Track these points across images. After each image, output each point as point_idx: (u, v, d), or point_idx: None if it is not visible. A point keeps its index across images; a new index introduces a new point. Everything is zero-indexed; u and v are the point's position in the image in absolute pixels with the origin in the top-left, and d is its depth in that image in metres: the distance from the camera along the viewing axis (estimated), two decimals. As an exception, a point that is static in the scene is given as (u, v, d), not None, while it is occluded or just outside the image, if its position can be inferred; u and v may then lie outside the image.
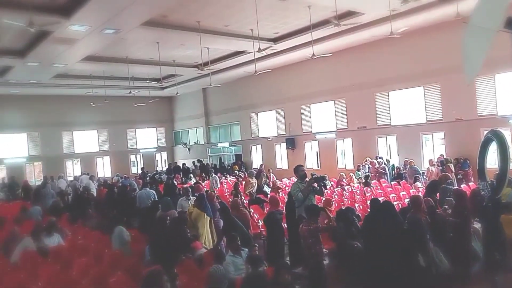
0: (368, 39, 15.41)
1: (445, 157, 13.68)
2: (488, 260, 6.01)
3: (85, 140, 25.01)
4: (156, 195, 11.92)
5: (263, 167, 17.48)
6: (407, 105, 15.88)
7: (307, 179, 7.19)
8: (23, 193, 18.06)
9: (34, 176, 21.98)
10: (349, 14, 12.85)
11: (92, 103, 21.00)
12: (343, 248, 5.96)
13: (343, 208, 8.40)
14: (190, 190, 10.40)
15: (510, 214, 6.20)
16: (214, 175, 16.77)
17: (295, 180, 7.77)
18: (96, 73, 19.34)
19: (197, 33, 13.47)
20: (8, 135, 22.33)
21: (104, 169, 25.06)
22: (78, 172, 22.77)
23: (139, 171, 24.50)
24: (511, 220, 6.12)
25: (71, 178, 20.91)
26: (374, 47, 16.02)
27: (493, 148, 5.87)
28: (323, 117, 19.12)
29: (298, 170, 7.38)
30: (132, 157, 26.93)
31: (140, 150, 27.19)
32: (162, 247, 6.09)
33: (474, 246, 6.26)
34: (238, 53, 17.69)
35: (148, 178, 18.33)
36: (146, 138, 27.72)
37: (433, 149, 15.16)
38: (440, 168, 12.99)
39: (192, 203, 9.16)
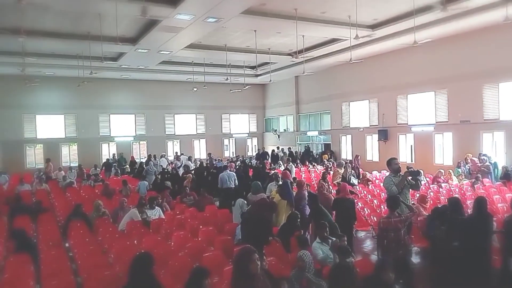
0: (478, 25, 14.09)
1: None
2: None
3: (185, 122, 26.62)
4: (236, 178, 12.56)
5: (359, 157, 17.14)
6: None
7: (401, 173, 6.86)
8: (129, 168, 20.07)
9: (140, 154, 24.10)
10: (458, -3, 11.83)
11: (194, 89, 22.27)
12: (437, 247, 5.68)
13: (439, 205, 7.96)
14: (279, 175, 10.68)
15: None
16: (290, 163, 16.93)
17: (388, 173, 7.46)
18: (197, 60, 20.44)
19: (293, 21, 13.51)
20: (120, 116, 24.67)
21: (200, 151, 26.48)
22: (177, 152, 24.41)
23: (231, 155, 25.59)
24: None
25: (171, 158, 22.59)
26: (484, 34, 14.58)
27: None
28: (421, 108, 18.01)
29: (391, 163, 6.91)
30: (226, 141, 28.11)
31: (233, 135, 28.27)
32: (254, 228, 6.35)
33: None
34: (333, 41, 17.37)
35: (239, 162, 19.12)
36: (239, 123, 28.68)
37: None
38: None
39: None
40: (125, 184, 12.77)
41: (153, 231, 8.05)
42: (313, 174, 17.23)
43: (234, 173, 12.96)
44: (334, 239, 5.76)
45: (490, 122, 15.03)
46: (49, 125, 22.74)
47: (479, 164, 13.51)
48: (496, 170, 13.60)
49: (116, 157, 22.17)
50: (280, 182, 10.00)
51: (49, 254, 6.49)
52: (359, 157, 17.13)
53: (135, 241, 7.28)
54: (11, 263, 6.04)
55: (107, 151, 23.76)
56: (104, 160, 21.88)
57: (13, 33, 13.13)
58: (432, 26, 14.01)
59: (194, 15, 12.43)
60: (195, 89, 22.29)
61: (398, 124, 18.84)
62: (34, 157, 22.24)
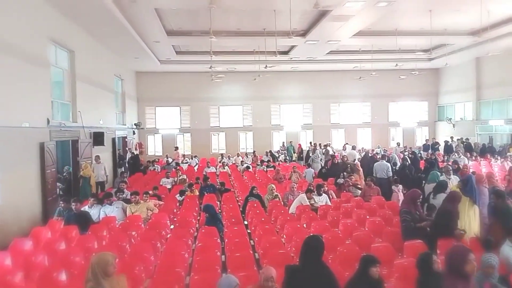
0: None
1: None
2: None
3: (349, 111, 26.46)
4: (390, 168, 12.46)
5: None
6: None
7: None
8: (297, 156, 21.15)
9: (306, 142, 24.99)
10: None
11: (359, 77, 21.94)
12: None
13: None
14: (450, 169, 9.87)
15: None
16: (462, 156, 15.21)
17: None
18: (365, 47, 19.97)
19: (477, -6, 12.06)
20: (287, 105, 26.03)
21: (365, 140, 25.94)
22: (342, 141, 24.49)
23: (395, 145, 24.28)
24: None
25: (336, 147, 22.83)
26: None
27: None
28: None
29: None
30: (392, 131, 26.88)
31: (400, 124, 26.80)
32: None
33: None
34: (528, 13, 14.81)
35: (407, 153, 18.16)
36: (407, 111, 26.95)
37: None
38: None
39: (454, 183, 8.81)
40: (295, 170, 13.58)
41: (321, 217, 8.41)
42: (496, 168, 15.19)
43: (388, 164, 12.76)
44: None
45: None
46: (230, 115, 25.52)
47: None
48: None
49: (285, 145, 23.55)
50: (450, 177, 9.31)
51: (232, 229, 7.44)
52: None
53: (304, 225, 7.78)
54: (202, 234, 7.15)
55: (278, 139, 25.40)
56: (275, 148, 23.51)
57: (203, 35, 15.21)
58: None
59: (364, 1, 12.22)
60: (360, 77, 21.92)
61: None
62: (218, 144, 25.34)
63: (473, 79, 23.09)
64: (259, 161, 18.74)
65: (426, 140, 23.97)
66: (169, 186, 12.97)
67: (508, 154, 17.25)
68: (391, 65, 20.30)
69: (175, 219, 8.91)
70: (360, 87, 24.81)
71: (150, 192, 10.25)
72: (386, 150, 20.39)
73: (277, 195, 9.92)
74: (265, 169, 16.33)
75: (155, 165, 18.17)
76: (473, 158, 16.81)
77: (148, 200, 9.20)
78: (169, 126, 24.99)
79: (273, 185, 10.28)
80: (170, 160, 19.79)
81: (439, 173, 9.76)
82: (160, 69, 22.57)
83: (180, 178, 13.40)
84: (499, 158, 16.98)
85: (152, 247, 6.57)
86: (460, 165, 12.16)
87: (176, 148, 22.11)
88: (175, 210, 9.80)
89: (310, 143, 22.19)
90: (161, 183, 13.22)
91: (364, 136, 26.34)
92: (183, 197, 10.81)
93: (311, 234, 4.77)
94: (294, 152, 22.23)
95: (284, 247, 6.59)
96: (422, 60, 22.62)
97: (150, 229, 7.69)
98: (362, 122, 26.50)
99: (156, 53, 19.23)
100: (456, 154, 18.16)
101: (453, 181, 9.05)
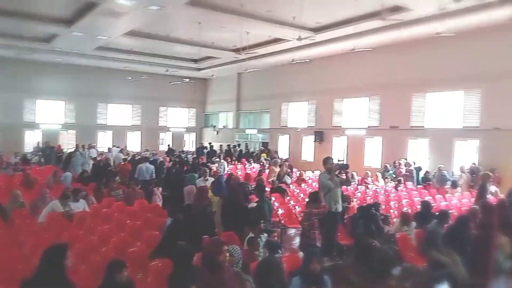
0: (412, 36, 14.90)
1: (476, 165, 13.27)
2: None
3: (119, 113, 25.54)
4: (154, 171, 12.84)
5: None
6: (444, 108, 15.38)
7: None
8: (55, 158, 18.82)
9: (67, 143, 22.64)
10: (396, 9, 12.33)
11: (129, 78, 21.36)
12: (359, 244, 5.88)
13: (364, 205, 8.30)
14: (208, 171, 10.75)
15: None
16: (222, 160, 16.95)
17: (322, 171, 7.66)
18: (137, 48, 19.61)
19: (239, 16, 13.43)
20: (47, 101, 23.09)
21: (134, 143, 25.46)
22: (109, 144, 23.28)
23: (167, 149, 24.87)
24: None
25: (101, 149, 21.49)
26: (416, 46, 15.51)
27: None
28: (355, 113, 18.82)
29: (327, 162, 7.17)
30: (162, 135, 27.39)
31: (170, 129, 27.62)
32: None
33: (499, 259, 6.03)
34: (278, 40, 17.50)
35: (174, 156, 18.71)
36: (177, 117, 28.06)
37: (466, 156, 14.58)
38: (472, 176, 12.61)
39: (208, 183, 9.72)
40: (55, 175, 11.89)
41: (76, 225, 7.58)
42: (249, 171, 17.26)
43: (153, 167, 13.01)
44: (266, 234, 5.76)
45: (416, 129, 16.03)
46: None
47: (404, 169, 14.31)
48: (418, 174, 14.45)
49: (40, 145, 20.73)
50: (207, 178, 10.20)
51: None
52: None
53: (54, 235, 6.81)
54: None
55: (32, 139, 22.14)
56: (27, 149, 20.34)
57: None
58: (371, 34, 14.62)
59: (135, 0, 11.90)
60: (129, 78, 21.44)
61: (333, 126, 19.48)
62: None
63: (234, 92, 25.95)
64: (4, 164, 15.71)
65: (201, 143, 25.31)
66: None
67: (261, 159, 19.88)
68: (163, 69, 20.59)
69: None
70: (131, 88, 24.32)
71: None
72: (156, 154, 20.45)
73: (22, 202, 8.44)
74: (11, 173, 13.78)
75: None
76: (232, 162, 18.71)
77: None
78: None
79: (17, 192, 8.70)
80: None
81: (196, 175, 10.45)
82: None
83: None
84: (252, 162, 19.46)
85: None
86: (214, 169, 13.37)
87: None
88: None
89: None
90: None
91: (134, 139, 25.83)
92: None
93: (53, 244, 4.12)
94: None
95: (28, 261, 5.56)
96: (192, 69, 23.93)
97: None
98: (132, 125, 25.98)
99: None
100: (218, 158, 19.83)
101: (209, 182, 9.97)
